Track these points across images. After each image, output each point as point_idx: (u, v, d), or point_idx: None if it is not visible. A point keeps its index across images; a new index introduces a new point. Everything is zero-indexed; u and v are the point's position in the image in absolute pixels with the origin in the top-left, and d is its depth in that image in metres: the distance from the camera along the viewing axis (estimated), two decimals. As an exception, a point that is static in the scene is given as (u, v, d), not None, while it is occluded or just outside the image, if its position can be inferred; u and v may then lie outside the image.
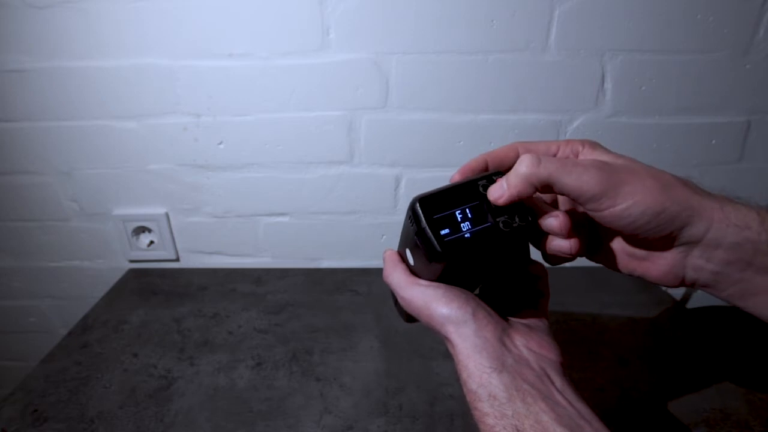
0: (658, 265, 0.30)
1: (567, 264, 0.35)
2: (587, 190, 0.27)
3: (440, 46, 0.67)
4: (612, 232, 0.32)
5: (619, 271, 0.33)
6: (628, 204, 0.26)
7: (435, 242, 0.28)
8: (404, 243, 0.33)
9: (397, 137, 0.73)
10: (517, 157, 0.32)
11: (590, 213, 0.28)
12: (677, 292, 0.81)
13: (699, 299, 0.82)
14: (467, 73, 0.69)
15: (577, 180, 0.27)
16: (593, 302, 0.72)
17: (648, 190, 0.26)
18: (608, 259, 0.33)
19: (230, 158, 0.75)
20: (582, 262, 0.36)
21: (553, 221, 0.29)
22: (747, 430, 0.50)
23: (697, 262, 0.28)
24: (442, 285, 0.30)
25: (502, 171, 0.31)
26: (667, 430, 0.51)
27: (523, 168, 0.28)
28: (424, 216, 0.29)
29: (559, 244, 0.29)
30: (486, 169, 0.32)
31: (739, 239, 0.26)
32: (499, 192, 0.29)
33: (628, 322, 0.68)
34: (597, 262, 0.35)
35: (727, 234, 0.26)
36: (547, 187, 0.28)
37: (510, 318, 0.32)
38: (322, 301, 0.74)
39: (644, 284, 0.78)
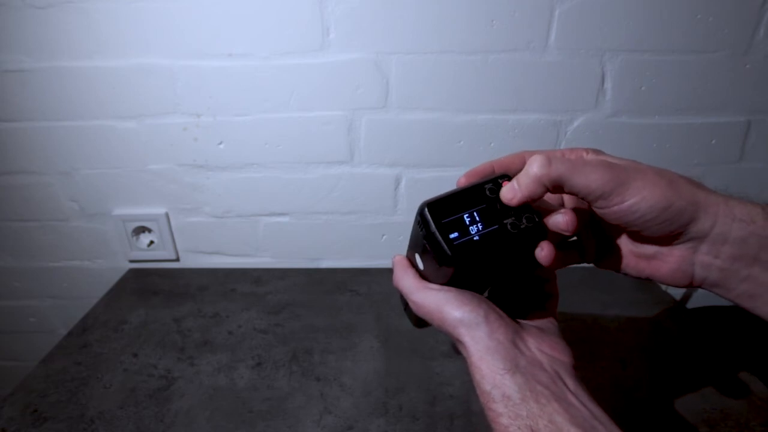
0: (666, 263, 0.30)
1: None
2: (596, 188, 0.27)
3: (440, 46, 0.67)
4: (620, 234, 0.32)
5: (627, 274, 0.33)
6: (636, 200, 0.27)
7: (445, 246, 0.28)
8: (413, 248, 0.33)
9: (397, 137, 0.73)
10: (524, 164, 0.32)
11: (598, 211, 0.29)
12: (677, 292, 0.81)
13: (699, 299, 0.82)
14: (467, 73, 0.69)
15: (586, 178, 0.27)
16: (593, 302, 0.72)
17: (655, 186, 0.27)
18: (616, 262, 0.33)
19: (230, 158, 0.75)
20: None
21: (560, 218, 0.29)
22: (747, 430, 0.50)
23: (705, 259, 0.29)
24: (452, 288, 0.31)
25: (508, 174, 0.31)
26: (667, 430, 0.51)
27: (535, 168, 0.28)
28: (432, 220, 0.29)
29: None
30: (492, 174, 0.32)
31: (744, 234, 0.27)
32: (511, 193, 0.29)
33: (628, 322, 0.68)
34: (605, 268, 0.35)
35: (733, 229, 0.27)
36: (557, 187, 0.28)
37: (521, 320, 0.32)
38: (322, 301, 0.74)
39: (644, 284, 0.78)
